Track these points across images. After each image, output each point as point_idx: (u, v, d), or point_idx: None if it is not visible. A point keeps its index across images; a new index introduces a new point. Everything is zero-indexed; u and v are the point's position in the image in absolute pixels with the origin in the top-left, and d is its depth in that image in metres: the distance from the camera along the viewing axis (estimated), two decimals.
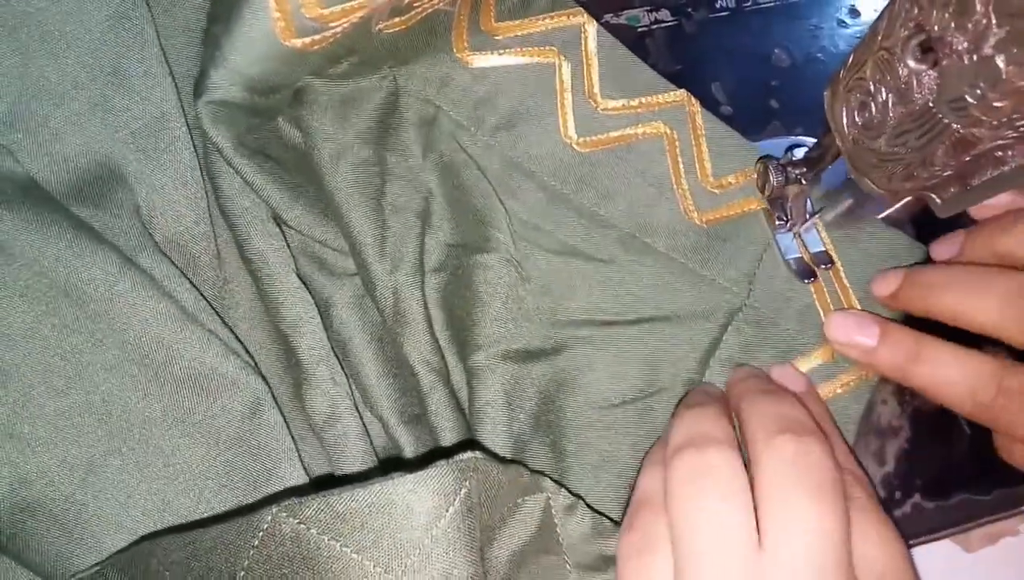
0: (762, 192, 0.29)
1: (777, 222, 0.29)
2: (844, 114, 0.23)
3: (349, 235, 0.28)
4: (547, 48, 0.30)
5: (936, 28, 0.18)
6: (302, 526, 0.19)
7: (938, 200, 0.21)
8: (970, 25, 0.17)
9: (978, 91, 0.17)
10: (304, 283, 0.28)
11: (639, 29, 0.33)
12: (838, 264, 0.29)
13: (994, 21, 0.16)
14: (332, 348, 0.28)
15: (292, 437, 0.27)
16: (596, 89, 0.30)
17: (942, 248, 0.27)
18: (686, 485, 0.21)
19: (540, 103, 0.30)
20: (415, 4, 0.27)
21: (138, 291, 0.27)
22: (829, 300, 0.29)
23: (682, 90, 0.30)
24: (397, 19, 0.28)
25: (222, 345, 0.27)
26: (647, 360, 0.28)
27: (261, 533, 0.19)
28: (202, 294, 0.28)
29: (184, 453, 0.26)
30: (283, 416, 0.28)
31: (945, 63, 0.18)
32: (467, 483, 0.20)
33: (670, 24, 0.33)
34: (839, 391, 0.28)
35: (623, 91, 0.30)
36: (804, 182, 0.27)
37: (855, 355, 0.27)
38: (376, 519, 0.19)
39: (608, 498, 0.27)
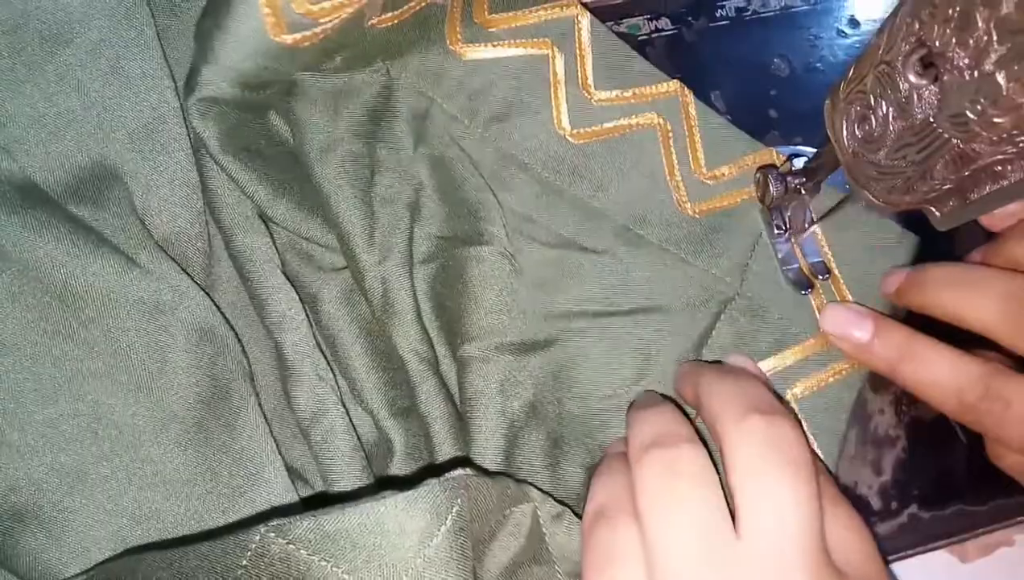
0: (761, 201, 0.29)
1: (776, 231, 0.29)
2: (844, 126, 0.23)
3: (337, 226, 0.28)
4: (541, 40, 0.30)
5: (937, 44, 0.18)
6: (291, 546, 0.19)
7: (937, 213, 0.21)
8: (971, 41, 0.17)
9: (978, 107, 0.17)
10: (291, 279, 0.28)
11: (639, 38, 0.33)
12: (834, 268, 0.29)
13: (995, 38, 0.16)
14: (319, 344, 0.28)
15: (275, 439, 0.27)
16: (590, 80, 0.30)
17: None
18: (657, 482, 0.21)
19: (534, 95, 0.30)
20: None
21: (136, 296, 0.27)
22: (821, 289, 0.29)
23: (675, 81, 0.30)
24: (389, 14, 0.27)
25: (213, 349, 0.27)
26: (641, 351, 0.28)
27: (249, 553, 0.19)
28: (207, 294, 0.28)
29: (172, 460, 0.26)
30: (265, 418, 0.28)
31: (946, 78, 0.18)
32: (458, 501, 0.20)
33: (670, 33, 0.33)
34: (831, 380, 0.28)
35: (617, 82, 0.30)
36: (803, 192, 0.27)
37: (847, 348, 0.27)
38: (367, 539, 0.19)
39: None
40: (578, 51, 0.30)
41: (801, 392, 0.28)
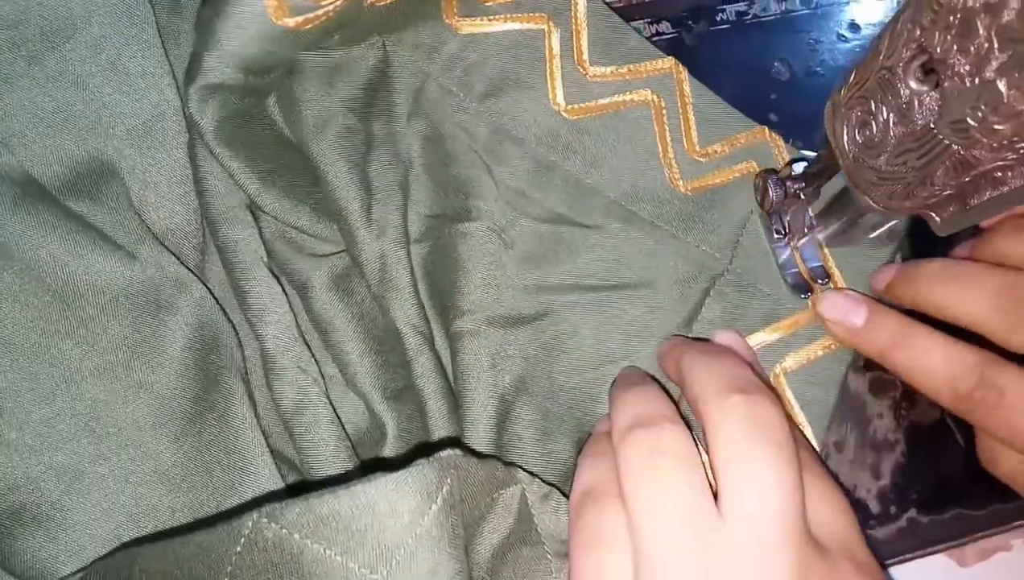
0: (761, 206, 0.29)
1: (775, 236, 0.29)
2: (844, 131, 0.23)
3: (334, 201, 0.28)
4: (537, 14, 0.30)
5: (938, 50, 0.18)
6: (284, 531, 0.19)
7: (937, 219, 0.21)
8: (972, 48, 0.17)
9: (979, 114, 0.17)
10: (281, 266, 0.28)
11: None
12: (833, 273, 0.29)
13: (996, 45, 0.16)
14: (302, 335, 0.28)
15: (263, 432, 0.27)
16: (585, 56, 0.30)
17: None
18: (640, 463, 0.21)
19: (529, 70, 0.30)
20: None
21: (136, 291, 0.27)
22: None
23: (670, 58, 0.30)
24: None
25: (209, 343, 0.27)
26: (631, 325, 0.28)
27: (243, 539, 0.19)
28: (209, 289, 0.29)
29: (169, 457, 0.26)
30: (255, 411, 0.28)
31: (947, 85, 0.18)
32: (448, 481, 0.20)
33: (671, 36, 0.33)
34: (821, 353, 0.29)
35: (612, 58, 0.30)
36: (803, 197, 0.27)
37: (841, 333, 0.27)
38: (359, 521, 0.19)
39: None
40: (574, 26, 0.30)
41: (791, 366, 0.28)
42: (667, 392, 0.24)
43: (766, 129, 0.30)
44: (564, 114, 0.29)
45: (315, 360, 0.28)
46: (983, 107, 0.17)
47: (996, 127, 0.17)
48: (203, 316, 0.28)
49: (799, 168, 0.28)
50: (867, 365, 0.31)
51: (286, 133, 0.29)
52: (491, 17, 0.30)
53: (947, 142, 0.19)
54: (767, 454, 0.20)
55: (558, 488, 0.25)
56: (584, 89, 0.30)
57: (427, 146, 0.29)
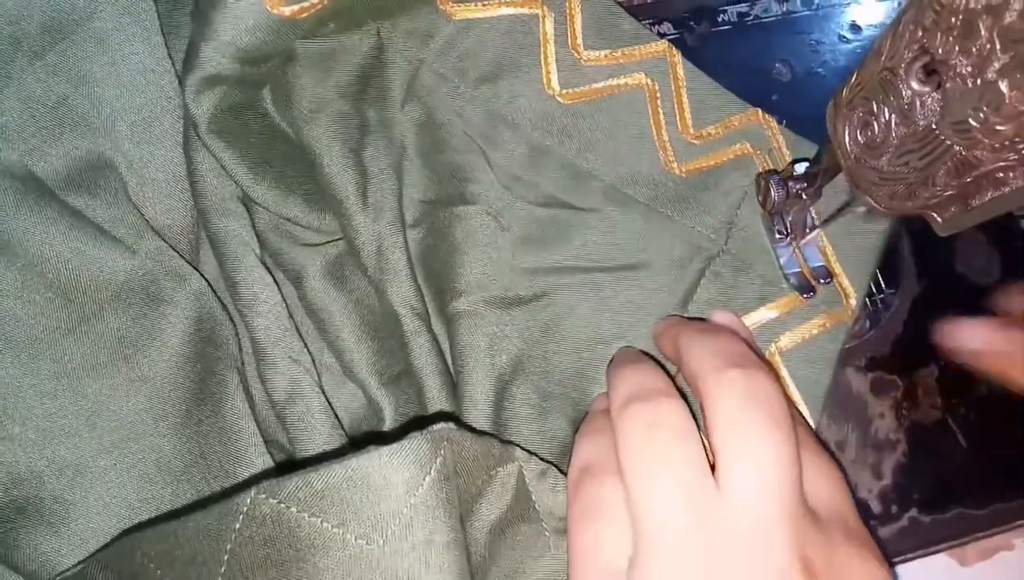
0: (763, 207, 0.29)
1: (777, 236, 0.29)
2: (846, 132, 0.23)
3: (330, 186, 0.28)
4: None
5: (940, 51, 0.18)
6: (282, 505, 0.20)
7: (939, 219, 0.21)
8: (974, 50, 0.17)
9: (981, 114, 0.17)
10: (274, 257, 0.29)
11: None
12: (836, 273, 0.29)
13: (998, 47, 0.16)
14: (295, 325, 0.28)
15: (256, 421, 0.28)
16: (579, 40, 0.30)
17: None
18: (638, 437, 0.21)
19: (524, 55, 0.30)
20: None
21: (138, 286, 0.27)
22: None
23: (664, 41, 0.30)
24: None
25: (207, 335, 0.28)
26: (627, 306, 0.29)
27: (242, 516, 0.20)
28: (208, 283, 0.29)
29: (169, 449, 0.27)
30: (250, 400, 0.28)
31: (948, 86, 0.18)
32: (442, 452, 0.21)
33: (672, 38, 0.33)
34: (815, 332, 0.29)
35: (606, 42, 0.30)
36: (805, 197, 0.27)
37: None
38: (355, 493, 0.20)
39: None
40: (568, 10, 0.30)
41: (786, 344, 0.29)
42: (664, 370, 0.25)
43: (759, 111, 0.30)
44: (559, 99, 0.30)
45: (308, 350, 0.28)
46: (985, 108, 0.17)
47: (998, 128, 0.17)
48: (201, 309, 0.28)
49: (801, 168, 0.28)
50: (868, 365, 0.31)
51: (279, 124, 0.29)
52: (485, 3, 0.30)
53: (949, 143, 0.19)
54: (764, 427, 0.20)
55: (555, 466, 0.25)
56: (578, 73, 0.30)
57: (421, 132, 0.29)
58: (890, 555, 0.30)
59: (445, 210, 0.29)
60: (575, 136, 0.29)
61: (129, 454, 0.26)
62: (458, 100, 0.29)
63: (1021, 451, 0.31)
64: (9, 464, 0.26)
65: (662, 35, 0.33)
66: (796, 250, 0.29)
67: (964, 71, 0.18)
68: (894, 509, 0.30)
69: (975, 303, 0.32)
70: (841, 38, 0.34)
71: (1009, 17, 0.16)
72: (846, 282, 0.29)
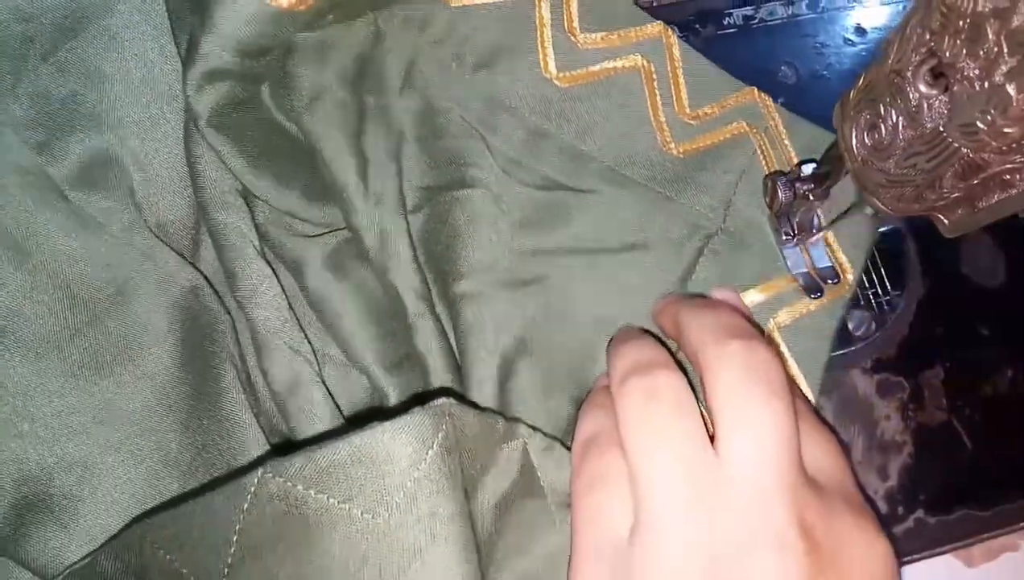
0: (770, 208, 0.29)
1: (784, 237, 0.29)
2: (853, 134, 0.23)
3: (330, 173, 0.28)
4: None
5: (948, 54, 0.18)
6: (288, 483, 0.20)
7: (946, 221, 0.22)
8: (982, 53, 0.17)
9: (988, 117, 0.18)
10: (274, 249, 0.29)
11: None
12: (843, 273, 0.29)
13: (1006, 50, 0.17)
14: (295, 316, 0.28)
15: (260, 413, 0.28)
16: (575, 24, 0.30)
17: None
18: (637, 410, 0.22)
19: (520, 39, 0.30)
20: None
21: (143, 283, 0.28)
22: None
23: (659, 22, 0.30)
24: None
25: (200, 331, 0.28)
26: (628, 285, 0.29)
27: (249, 495, 0.20)
28: (206, 277, 0.29)
29: (176, 444, 0.27)
30: (254, 393, 0.28)
31: (956, 89, 0.18)
32: (444, 426, 0.21)
33: None
34: (813, 308, 0.29)
35: (602, 25, 0.30)
36: (812, 198, 0.27)
37: None
38: (358, 468, 0.20)
39: None
40: None
41: (784, 320, 0.29)
42: (665, 346, 0.25)
43: (755, 89, 0.31)
44: (556, 82, 0.30)
45: (308, 340, 0.28)
46: (992, 111, 0.17)
47: (1005, 130, 0.17)
48: (196, 304, 0.28)
49: (808, 170, 0.28)
50: (874, 367, 0.31)
51: (277, 118, 0.29)
52: None
53: (956, 145, 0.19)
54: (763, 398, 0.21)
55: (560, 442, 0.25)
56: (575, 57, 0.30)
57: (419, 119, 0.30)
58: (896, 556, 0.30)
59: (445, 195, 0.29)
60: (573, 119, 0.30)
61: (137, 450, 0.27)
62: (456, 87, 0.30)
63: None
64: (19, 461, 0.26)
65: None
66: (803, 251, 0.29)
67: (971, 74, 0.18)
68: (900, 510, 0.30)
69: (980, 304, 0.32)
70: (846, 41, 0.34)
71: (1016, 20, 0.16)
72: (843, 257, 0.29)
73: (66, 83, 0.28)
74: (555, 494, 0.25)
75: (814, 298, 0.29)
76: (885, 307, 0.32)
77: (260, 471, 0.20)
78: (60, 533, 0.26)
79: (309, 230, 0.29)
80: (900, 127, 0.21)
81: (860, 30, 0.34)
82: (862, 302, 0.32)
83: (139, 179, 0.28)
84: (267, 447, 0.28)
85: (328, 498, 0.20)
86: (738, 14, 0.34)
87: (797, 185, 0.28)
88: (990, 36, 0.17)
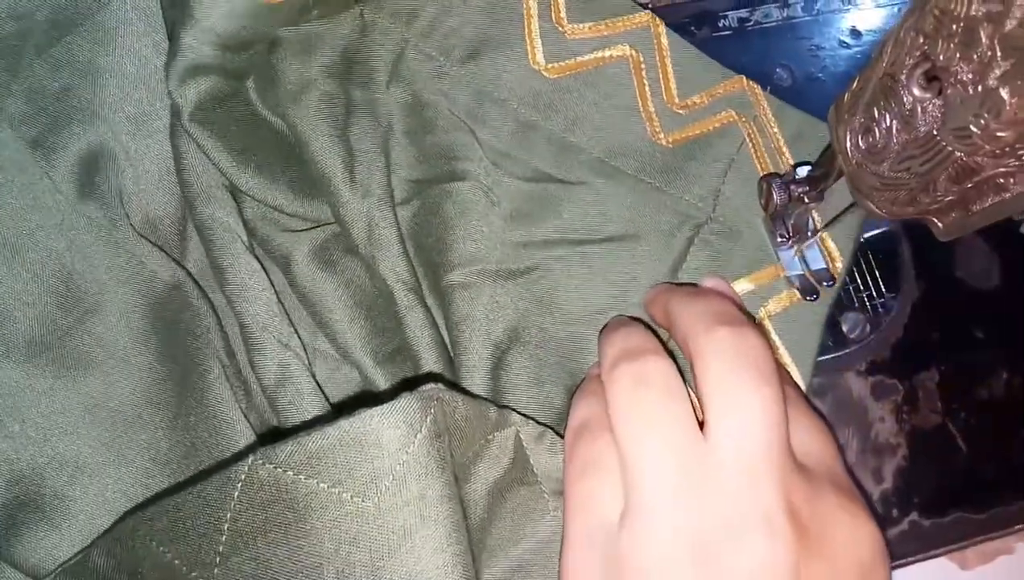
0: (765, 210, 0.29)
1: (779, 239, 0.29)
2: (847, 137, 0.23)
3: (317, 165, 0.28)
4: None
5: (941, 58, 0.18)
6: (278, 470, 0.20)
7: (940, 224, 0.22)
8: (975, 56, 0.17)
9: (982, 121, 0.18)
10: (262, 244, 0.29)
11: None
12: (839, 275, 0.29)
13: (999, 54, 0.17)
14: (284, 310, 0.28)
15: (251, 409, 0.28)
16: (563, 14, 0.30)
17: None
18: (627, 395, 0.22)
19: (508, 30, 0.30)
20: None
21: (130, 278, 0.28)
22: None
23: (647, 12, 0.30)
24: None
25: (184, 328, 0.28)
26: (618, 276, 0.29)
27: (240, 483, 0.20)
28: (190, 274, 0.29)
29: (165, 442, 0.27)
30: (244, 389, 0.28)
31: (950, 92, 0.18)
32: (431, 411, 0.21)
33: None
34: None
35: (590, 15, 0.30)
36: (807, 200, 0.27)
37: None
38: (347, 453, 0.20)
39: None
40: None
41: (774, 308, 0.29)
42: (656, 335, 0.25)
43: (743, 77, 0.31)
44: (544, 73, 0.30)
45: (297, 334, 0.28)
46: (986, 114, 0.17)
47: (998, 134, 0.17)
48: (181, 301, 0.28)
49: (803, 172, 0.28)
50: (869, 369, 0.31)
51: (263, 113, 0.29)
52: None
53: (950, 149, 0.19)
54: (752, 383, 0.21)
55: (552, 429, 0.25)
56: (563, 47, 0.30)
57: (407, 113, 0.30)
58: (891, 559, 0.30)
59: (435, 188, 0.29)
60: (561, 111, 0.30)
61: (127, 448, 0.27)
62: (444, 80, 0.30)
63: (1021, 455, 0.31)
64: (11, 461, 0.26)
65: None
66: (798, 253, 0.29)
67: (965, 78, 0.18)
68: (894, 513, 0.30)
69: (975, 307, 0.32)
70: (841, 43, 0.34)
71: (1010, 24, 0.16)
72: (832, 245, 0.29)
73: (60, 78, 0.28)
74: (548, 481, 0.25)
75: (810, 300, 0.29)
76: (880, 309, 0.32)
77: (251, 458, 0.20)
78: (52, 533, 0.26)
79: (297, 225, 0.29)
80: (894, 130, 0.21)
81: (855, 33, 0.34)
82: (856, 304, 0.32)
83: (130, 175, 0.28)
84: (256, 442, 0.28)
85: (318, 483, 0.20)
86: (733, 16, 0.34)
87: (792, 187, 0.28)
88: (983, 40, 0.17)
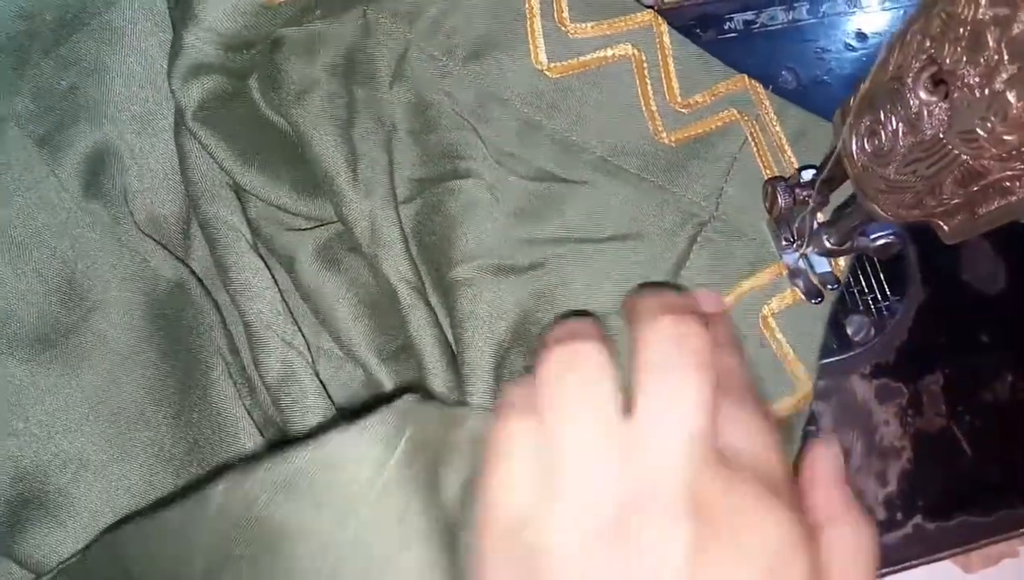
0: (769, 213, 0.29)
1: (784, 242, 0.29)
2: (853, 140, 0.23)
3: (320, 164, 0.28)
4: None
5: (948, 62, 0.18)
6: (251, 495, 0.20)
7: (945, 228, 0.22)
8: (982, 60, 0.17)
9: (988, 124, 0.18)
10: (266, 244, 0.29)
11: None
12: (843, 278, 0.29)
13: (1006, 57, 0.17)
14: (288, 309, 0.28)
15: (247, 406, 0.28)
16: (565, 14, 0.30)
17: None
18: (551, 372, 0.22)
19: (510, 30, 0.30)
20: None
21: (131, 277, 0.28)
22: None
23: (649, 11, 0.30)
24: None
25: (187, 326, 0.28)
26: (621, 273, 0.29)
27: (214, 507, 0.20)
28: (193, 272, 0.29)
29: (169, 439, 0.27)
30: (248, 387, 0.28)
31: (956, 96, 0.18)
32: (408, 427, 0.21)
33: None
34: None
35: (592, 14, 0.30)
36: (812, 203, 0.27)
37: None
38: (322, 476, 0.20)
39: None
40: None
41: (777, 307, 0.29)
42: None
43: (745, 77, 0.31)
44: (547, 73, 0.30)
45: (301, 333, 0.28)
46: (992, 118, 0.17)
47: (1005, 137, 0.17)
48: (184, 299, 0.28)
49: (808, 175, 0.28)
50: (874, 372, 0.31)
51: (266, 112, 0.29)
52: None
53: (956, 152, 0.19)
54: (680, 368, 0.21)
55: None
56: (566, 47, 0.30)
57: (410, 113, 0.30)
58: (895, 562, 0.30)
59: (438, 186, 0.29)
60: (564, 110, 0.30)
61: (130, 445, 0.27)
62: (447, 80, 0.30)
63: None
64: (15, 459, 0.26)
65: None
66: (803, 257, 0.29)
67: (972, 81, 0.18)
68: (899, 516, 0.30)
69: (980, 311, 0.32)
70: (847, 46, 0.34)
71: (1017, 28, 0.16)
72: None
73: (67, 77, 0.28)
74: None
75: (815, 303, 0.29)
76: (885, 313, 0.32)
77: (222, 485, 0.20)
78: (56, 530, 0.26)
79: (301, 224, 0.29)
80: (900, 133, 0.21)
81: (861, 35, 0.34)
82: (861, 307, 0.32)
83: (135, 173, 0.29)
84: (260, 439, 0.28)
85: (295, 506, 0.20)
86: (739, 19, 0.34)
87: (797, 191, 0.28)
88: (990, 43, 0.17)
